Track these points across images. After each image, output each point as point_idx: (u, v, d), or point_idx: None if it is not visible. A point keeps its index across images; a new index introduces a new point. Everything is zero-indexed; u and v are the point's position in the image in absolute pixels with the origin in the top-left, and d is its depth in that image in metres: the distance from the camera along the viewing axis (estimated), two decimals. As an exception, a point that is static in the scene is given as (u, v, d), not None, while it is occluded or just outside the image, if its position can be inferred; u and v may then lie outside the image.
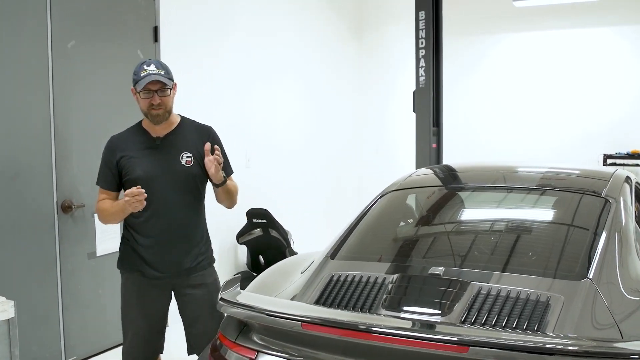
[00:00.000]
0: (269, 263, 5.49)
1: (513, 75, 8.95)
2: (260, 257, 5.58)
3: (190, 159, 2.85)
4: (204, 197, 2.98)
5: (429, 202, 2.88)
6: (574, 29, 8.73)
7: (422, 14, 7.19)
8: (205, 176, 2.90)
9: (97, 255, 3.98)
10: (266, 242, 5.47)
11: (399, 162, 8.63)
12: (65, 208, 3.85)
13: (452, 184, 3.07)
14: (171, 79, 2.83)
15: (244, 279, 5.45)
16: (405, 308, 2.03)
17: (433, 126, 7.34)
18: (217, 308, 2.14)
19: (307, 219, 6.86)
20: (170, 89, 2.82)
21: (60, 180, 3.83)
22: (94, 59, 4.04)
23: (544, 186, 2.72)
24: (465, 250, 2.37)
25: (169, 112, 2.85)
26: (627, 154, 8.95)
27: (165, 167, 2.82)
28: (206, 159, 2.77)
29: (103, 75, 4.11)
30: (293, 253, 5.41)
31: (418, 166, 7.30)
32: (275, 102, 6.33)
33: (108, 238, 4.03)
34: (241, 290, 2.23)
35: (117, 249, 4.13)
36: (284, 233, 5.42)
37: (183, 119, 2.98)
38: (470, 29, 8.97)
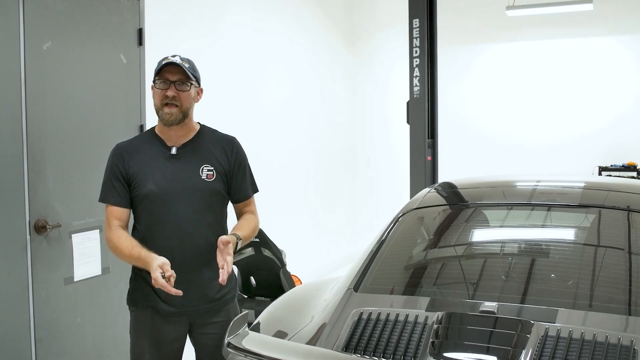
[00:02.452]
0: (261, 285, 5.11)
1: (508, 86, 8.76)
2: (252, 278, 5.19)
3: (211, 172, 2.48)
4: (226, 216, 2.61)
5: (460, 222, 2.52)
6: (568, 39, 8.57)
7: (416, 22, 6.93)
8: (228, 193, 2.54)
9: (75, 280, 3.59)
10: (258, 262, 5.08)
11: (392, 174, 8.38)
12: (39, 228, 3.46)
13: (485, 200, 2.68)
14: (196, 78, 2.49)
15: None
16: (457, 356, 1.67)
17: (428, 138, 7.06)
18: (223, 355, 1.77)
19: (298, 236, 6.51)
20: (192, 86, 2.46)
21: (33, 196, 3.44)
22: (72, 63, 3.69)
23: (595, 203, 2.37)
24: (518, 280, 2.02)
25: (185, 114, 2.46)
26: (623, 166, 8.80)
27: (183, 181, 2.43)
28: (218, 256, 2.30)
29: (82, 81, 3.75)
30: (287, 274, 5.04)
31: (413, 180, 7.01)
32: (265, 110, 6.02)
33: (87, 261, 3.67)
34: (249, 332, 1.86)
35: (97, 273, 3.82)
36: (277, 252, 5.04)
37: (203, 127, 2.62)
38: (463, 38, 8.78)
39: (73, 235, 3.62)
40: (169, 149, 2.48)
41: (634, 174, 8.56)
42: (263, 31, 5.97)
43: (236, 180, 2.57)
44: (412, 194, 6.85)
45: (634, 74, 8.49)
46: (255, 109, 5.84)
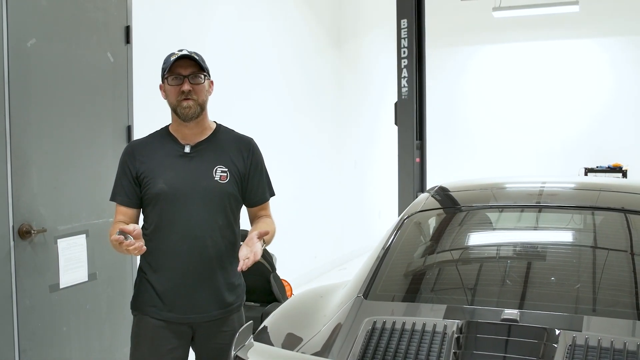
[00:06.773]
0: (251, 290, 4.99)
1: (494, 87, 8.74)
2: (241, 283, 5.07)
3: (225, 174, 2.39)
4: (239, 221, 2.49)
5: (470, 225, 2.44)
6: (555, 40, 8.58)
7: (404, 22, 6.87)
8: (241, 197, 2.44)
9: (61, 287, 3.46)
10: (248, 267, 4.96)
11: (379, 177, 8.30)
12: (23, 233, 3.32)
13: (494, 202, 2.59)
14: (207, 70, 2.42)
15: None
16: (483, 368, 1.58)
17: (417, 139, 7.00)
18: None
19: (284, 240, 6.40)
20: (205, 78, 2.39)
21: (17, 200, 3.29)
22: (57, 61, 3.55)
23: (612, 206, 2.29)
24: (537, 286, 1.94)
25: (202, 107, 2.39)
26: (609, 167, 8.83)
27: (194, 182, 2.34)
28: (244, 248, 2.18)
29: (68, 79, 3.62)
30: (278, 279, 4.93)
31: (401, 182, 6.94)
32: (251, 110, 5.93)
33: (73, 268, 3.54)
34: (256, 343, 1.76)
35: (84, 280, 3.69)
36: (268, 257, 4.92)
37: (219, 126, 2.54)
38: (449, 40, 8.75)
39: (59, 241, 3.48)
40: (182, 147, 2.40)
41: (620, 175, 8.60)
42: (250, 31, 5.89)
43: (252, 182, 2.48)
44: (400, 196, 6.78)
45: (619, 75, 8.53)
46: (242, 109, 5.75)
